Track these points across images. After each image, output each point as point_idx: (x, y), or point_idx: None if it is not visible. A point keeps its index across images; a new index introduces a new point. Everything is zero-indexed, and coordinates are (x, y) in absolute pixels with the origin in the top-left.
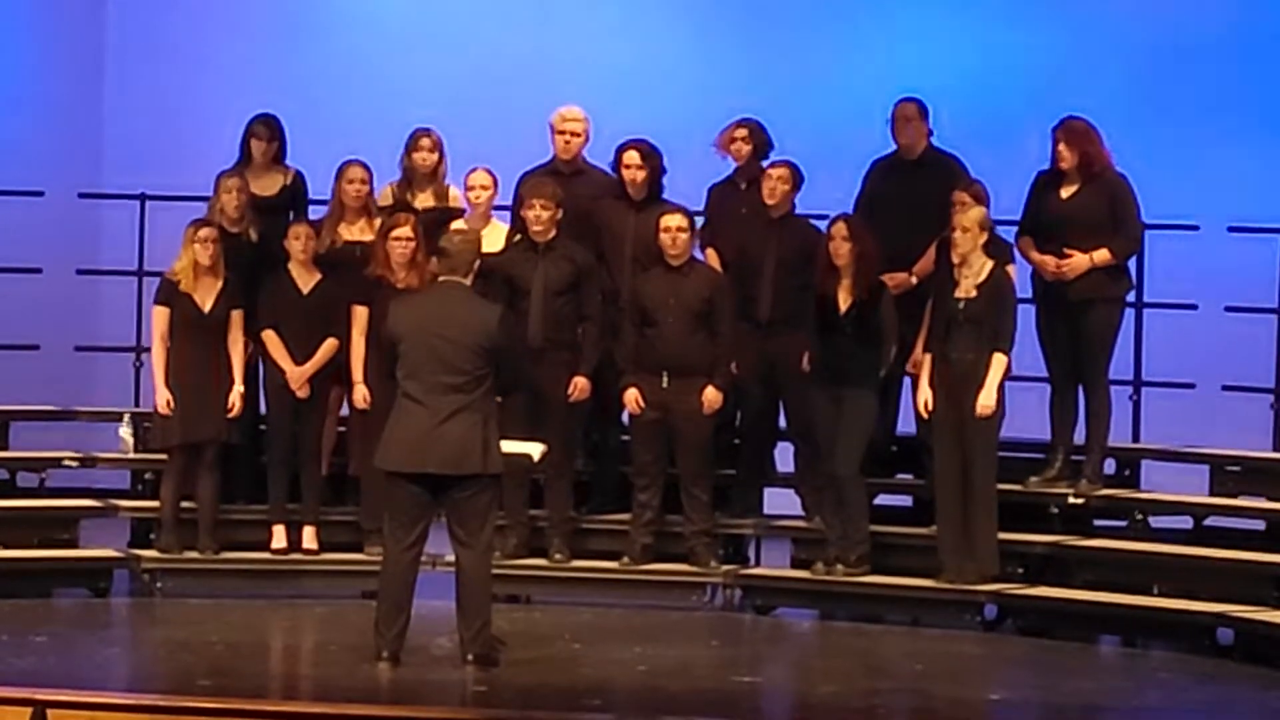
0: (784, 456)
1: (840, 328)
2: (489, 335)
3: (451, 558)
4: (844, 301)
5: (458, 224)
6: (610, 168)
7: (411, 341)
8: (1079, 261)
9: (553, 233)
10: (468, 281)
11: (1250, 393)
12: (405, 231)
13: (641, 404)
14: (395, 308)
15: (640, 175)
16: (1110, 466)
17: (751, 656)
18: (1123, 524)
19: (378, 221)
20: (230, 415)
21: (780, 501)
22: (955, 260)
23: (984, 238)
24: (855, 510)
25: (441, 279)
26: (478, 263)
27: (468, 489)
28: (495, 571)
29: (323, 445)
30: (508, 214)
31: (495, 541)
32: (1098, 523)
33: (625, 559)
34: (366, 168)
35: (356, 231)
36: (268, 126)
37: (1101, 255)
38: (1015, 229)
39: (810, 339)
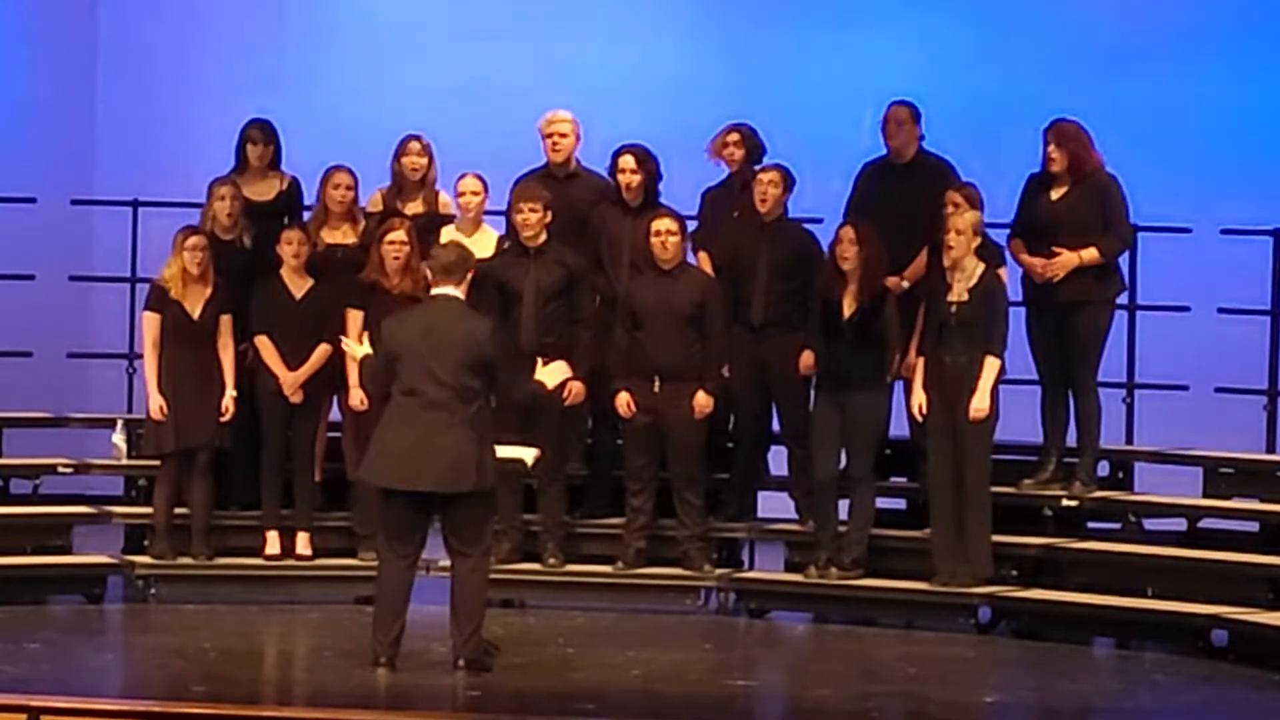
0: (777, 460)
1: (843, 332)
2: (480, 349)
3: (446, 563)
4: (848, 307)
5: (448, 230)
6: (606, 172)
7: (404, 357)
8: (1067, 259)
9: (544, 237)
10: (461, 291)
11: (1243, 395)
12: (399, 236)
13: (633, 408)
14: (388, 325)
15: (635, 180)
16: (1104, 469)
17: (745, 660)
18: (1116, 526)
19: (361, 225)
20: (223, 420)
21: (773, 505)
22: (947, 264)
23: (977, 241)
24: (860, 512)
25: (434, 291)
26: (471, 274)
27: (463, 505)
28: (490, 577)
29: (316, 450)
30: (499, 219)
31: (491, 550)
32: (1091, 525)
33: (619, 563)
34: (352, 173)
35: (340, 235)
36: (262, 131)
37: (1090, 254)
38: (1006, 232)
39: (815, 343)
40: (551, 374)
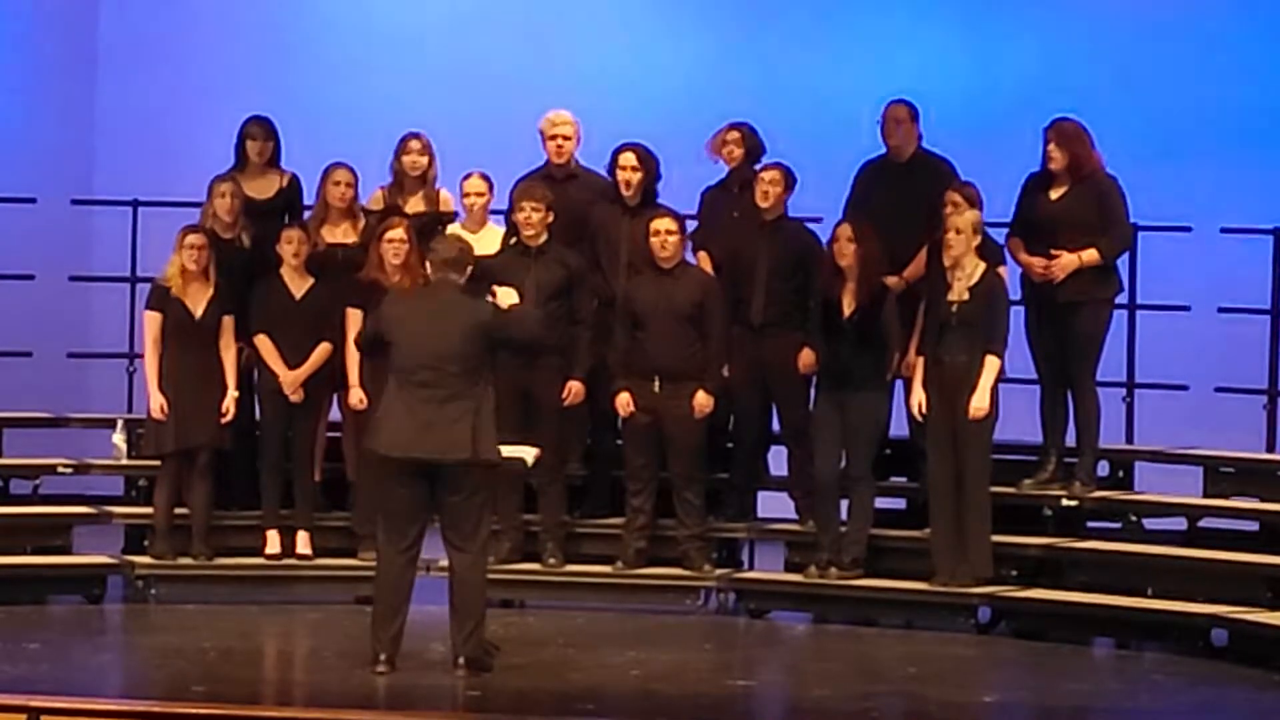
0: (777, 460)
1: (843, 331)
2: (480, 322)
3: (445, 562)
4: (848, 305)
5: (452, 228)
6: (606, 170)
7: (403, 335)
8: (1067, 261)
9: (544, 236)
10: (461, 282)
11: (1243, 394)
12: (399, 234)
13: (632, 408)
14: (387, 304)
15: (635, 178)
16: (1104, 468)
17: (745, 660)
18: (1116, 526)
19: (361, 224)
20: (224, 420)
21: (773, 505)
22: (948, 263)
23: (977, 240)
24: (859, 512)
25: (435, 279)
26: (471, 267)
27: (461, 491)
28: (489, 576)
29: (316, 450)
30: (503, 218)
31: (489, 545)
32: (1091, 525)
33: (618, 563)
34: (352, 170)
35: (340, 234)
36: (262, 128)
37: (1090, 255)
38: (1005, 231)
39: (815, 342)
40: (505, 296)
